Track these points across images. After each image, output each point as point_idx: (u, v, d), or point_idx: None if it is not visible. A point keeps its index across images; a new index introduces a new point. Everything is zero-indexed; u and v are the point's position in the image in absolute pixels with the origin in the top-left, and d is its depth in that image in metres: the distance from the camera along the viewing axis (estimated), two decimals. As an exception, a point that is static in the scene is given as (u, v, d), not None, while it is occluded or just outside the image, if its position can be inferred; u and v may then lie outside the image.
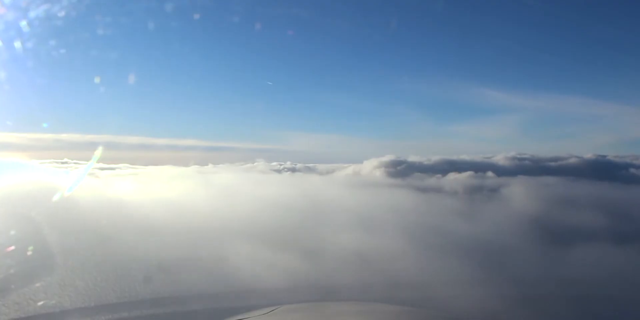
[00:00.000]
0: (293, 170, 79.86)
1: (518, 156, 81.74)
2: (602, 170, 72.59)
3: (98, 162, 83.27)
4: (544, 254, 20.25)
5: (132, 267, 17.50)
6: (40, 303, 13.32)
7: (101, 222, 24.22)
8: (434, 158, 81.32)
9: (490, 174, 70.38)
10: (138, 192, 43.25)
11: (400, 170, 76.50)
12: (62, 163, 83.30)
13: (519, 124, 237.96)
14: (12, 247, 15.03)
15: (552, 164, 77.71)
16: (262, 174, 74.57)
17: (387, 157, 79.60)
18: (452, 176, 71.08)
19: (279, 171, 78.64)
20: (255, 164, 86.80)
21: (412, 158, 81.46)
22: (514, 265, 18.02)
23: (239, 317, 4.23)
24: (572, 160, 77.85)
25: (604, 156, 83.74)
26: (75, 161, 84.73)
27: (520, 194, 44.60)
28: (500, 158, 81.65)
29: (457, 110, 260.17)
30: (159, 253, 18.96)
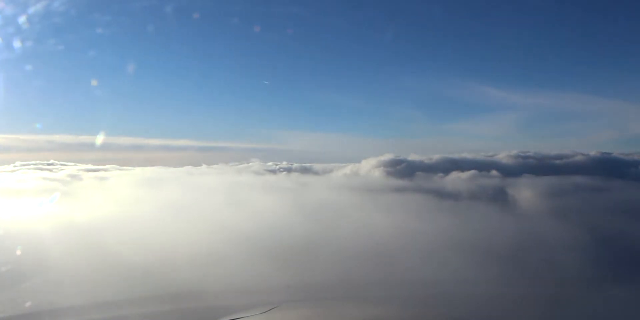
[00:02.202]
0: (289, 170, 77.05)
1: (521, 154, 79.22)
2: (611, 168, 70.15)
3: (87, 163, 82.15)
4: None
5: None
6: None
7: None
8: (435, 157, 78.47)
9: (494, 172, 67.95)
10: (87, 204, 37.74)
11: (400, 169, 73.69)
12: (48, 164, 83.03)
13: (517, 121, 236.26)
14: None
15: (558, 161, 75.20)
16: (255, 175, 72.30)
17: (386, 156, 76.75)
18: (455, 175, 68.52)
19: (274, 171, 75.98)
20: (250, 164, 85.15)
21: (412, 157, 78.61)
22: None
23: (238, 316, 4.36)
24: (579, 158, 75.41)
25: (609, 153, 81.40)
26: (62, 162, 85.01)
27: (542, 197, 41.38)
28: (503, 156, 79.07)
29: (454, 108, 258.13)
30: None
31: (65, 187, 53.01)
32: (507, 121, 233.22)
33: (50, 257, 19.31)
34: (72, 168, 79.82)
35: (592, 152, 79.05)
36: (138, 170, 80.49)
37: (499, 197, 43.81)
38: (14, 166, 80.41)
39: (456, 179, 66.31)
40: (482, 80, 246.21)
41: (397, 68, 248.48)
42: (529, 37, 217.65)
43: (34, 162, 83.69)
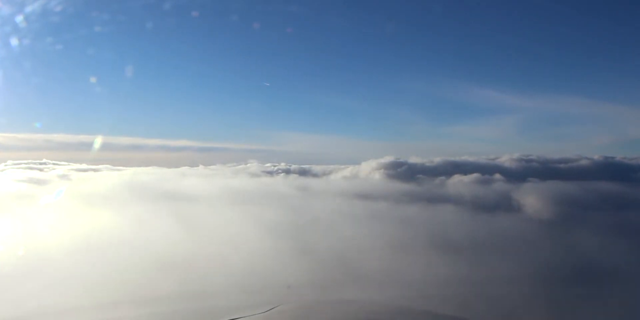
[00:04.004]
0: (287, 171, 74.77)
1: (524, 157, 77.37)
2: (616, 172, 68.72)
3: (84, 163, 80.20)
4: None
5: None
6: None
7: None
8: (436, 159, 76.56)
9: (498, 176, 66.05)
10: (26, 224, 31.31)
11: (401, 172, 71.80)
12: (41, 164, 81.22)
13: (516, 124, 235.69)
14: None
15: (562, 165, 73.44)
16: (251, 178, 70.01)
17: (387, 159, 74.67)
18: (458, 178, 66.69)
19: (272, 173, 73.65)
20: (247, 165, 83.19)
21: (413, 159, 76.61)
22: None
23: (239, 316, 4.47)
24: (583, 162, 73.67)
25: (613, 157, 79.89)
26: (55, 162, 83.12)
27: (558, 204, 39.19)
28: (505, 159, 77.31)
29: (453, 111, 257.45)
30: None
31: (34, 192, 48.73)
32: (506, 124, 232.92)
33: None
34: (64, 168, 77.93)
35: (596, 156, 77.57)
36: (130, 171, 78.72)
37: (513, 203, 41.77)
38: (5, 165, 78.61)
39: (459, 183, 64.56)
40: (482, 83, 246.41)
41: (396, 70, 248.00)
42: (529, 40, 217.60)
43: (25, 162, 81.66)
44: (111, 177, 69.60)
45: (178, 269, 20.29)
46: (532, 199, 42.98)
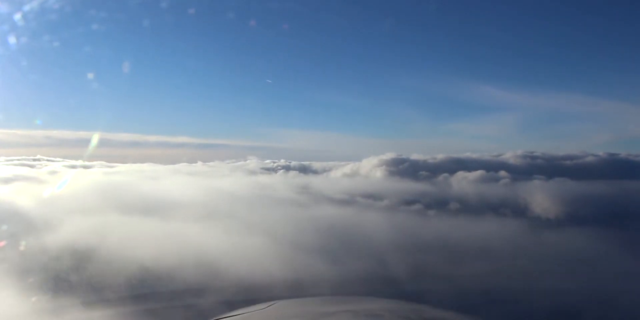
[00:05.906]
0: (287, 168, 72.84)
1: (529, 154, 75.77)
2: (622, 170, 67.26)
3: (79, 159, 78.39)
4: None
5: None
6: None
7: None
8: (439, 156, 74.82)
9: (503, 173, 64.50)
10: None
11: (403, 169, 70.17)
12: (34, 160, 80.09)
13: (516, 122, 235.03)
14: None
15: (568, 162, 71.90)
16: (247, 175, 67.92)
17: (388, 155, 72.97)
18: (462, 175, 65.06)
19: (271, 170, 71.75)
20: (247, 161, 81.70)
21: (415, 156, 74.81)
22: None
23: (236, 312, 4.36)
24: (589, 159, 72.20)
25: (617, 155, 78.48)
26: (49, 158, 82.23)
27: (571, 204, 37.18)
28: (509, 156, 75.58)
29: (453, 108, 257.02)
30: None
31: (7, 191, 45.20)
32: (506, 122, 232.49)
33: None
34: (56, 164, 76.02)
35: (601, 153, 76.42)
36: (122, 167, 76.31)
37: (523, 201, 39.88)
38: (-3, 161, 76.62)
39: (463, 180, 63.02)
40: (482, 81, 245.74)
41: (397, 67, 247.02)
42: (531, 38, 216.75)
43: (18, 158, 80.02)
44: (95, 176, 65.95)
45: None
46: (541, 197, 41.28)
